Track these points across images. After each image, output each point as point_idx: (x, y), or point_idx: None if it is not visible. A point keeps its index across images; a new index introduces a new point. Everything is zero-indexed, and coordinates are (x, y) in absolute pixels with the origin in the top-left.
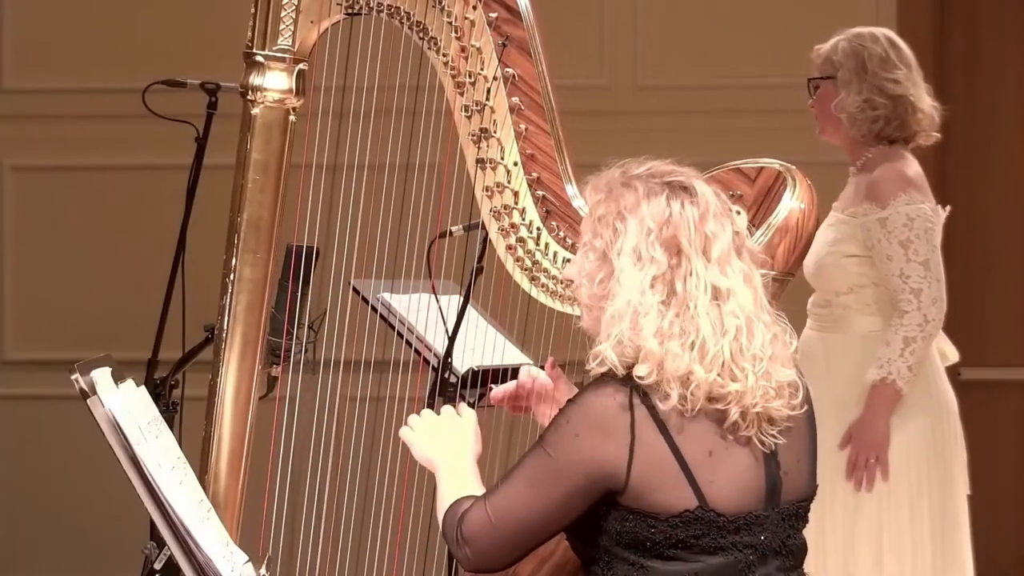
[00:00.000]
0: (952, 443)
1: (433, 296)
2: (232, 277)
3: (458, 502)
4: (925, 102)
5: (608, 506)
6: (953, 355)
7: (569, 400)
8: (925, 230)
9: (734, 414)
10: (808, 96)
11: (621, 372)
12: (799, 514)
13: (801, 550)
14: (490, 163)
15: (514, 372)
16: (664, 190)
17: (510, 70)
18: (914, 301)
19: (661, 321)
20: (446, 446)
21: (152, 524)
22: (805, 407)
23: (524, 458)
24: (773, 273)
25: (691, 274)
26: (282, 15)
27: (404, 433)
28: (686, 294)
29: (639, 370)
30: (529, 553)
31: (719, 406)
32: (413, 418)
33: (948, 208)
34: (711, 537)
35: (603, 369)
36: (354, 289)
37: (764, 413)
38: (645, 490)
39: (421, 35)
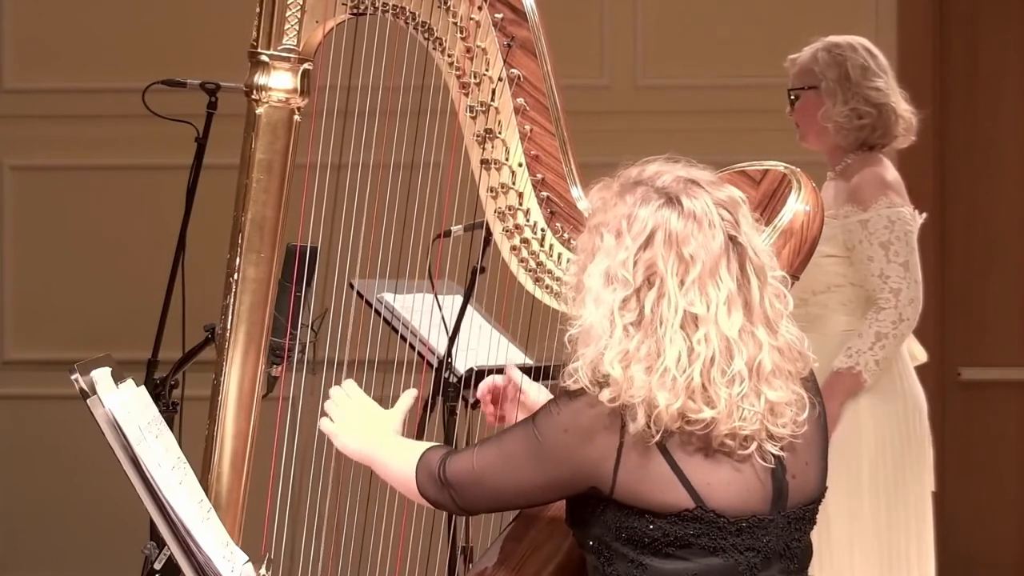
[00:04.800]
0: (919, 441)
1: (434, 297)
2: (236, 277)
3: (429, 452)
4: (903, 107)
5: (607, 500)
6: (921, 355)
7: (564, 391)
8: (904, 232)
9: (719, 437)
10: (786, 104)
11: (593, 391)
12: (806, 516)
13: (806, 552)
14: (495, 164)
15: None
16: (652, 204)
17: (515, 71)
18: (892, 299)
19: (628, 343)
20: (370, 433)
21: (152, 524)
22: (817, 414)
23: (515, 428)
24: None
25: (663, 296)
26: (287, 15)
27: (326, 427)
28: (656, 317)
29: (603, 395)
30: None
31: (697, 429)
32: (340, 398)
33: (924, 215)
34: (710, 537)
35: (577, 387)
36: (357, 293)
37: (760, 432)
38: (638, 490)
39: (426, 35)
